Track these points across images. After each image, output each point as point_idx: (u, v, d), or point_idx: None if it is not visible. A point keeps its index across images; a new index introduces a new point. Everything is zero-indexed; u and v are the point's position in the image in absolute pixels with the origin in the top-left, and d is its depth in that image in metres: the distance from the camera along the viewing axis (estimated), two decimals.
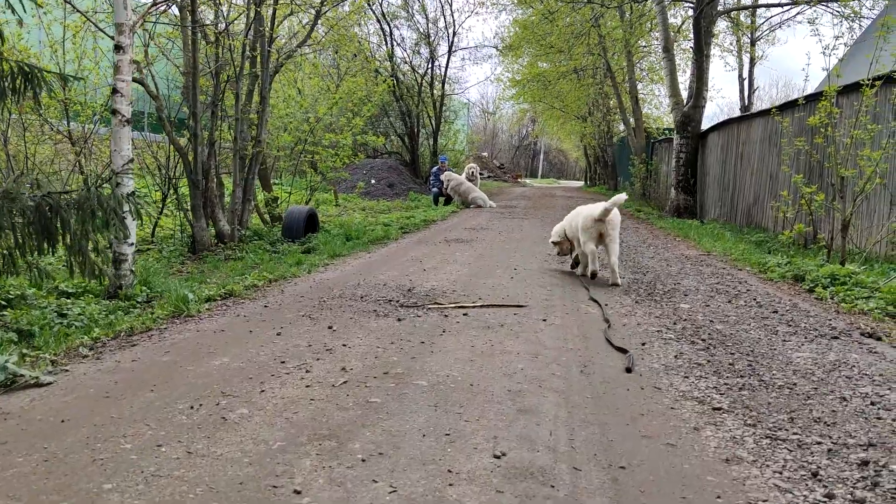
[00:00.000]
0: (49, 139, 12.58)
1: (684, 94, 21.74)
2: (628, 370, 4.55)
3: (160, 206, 12.93)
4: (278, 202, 15.23)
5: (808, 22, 22.27)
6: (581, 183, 49.95)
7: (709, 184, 19.57)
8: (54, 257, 8.27)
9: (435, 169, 21.18)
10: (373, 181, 22.30)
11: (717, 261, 10.47)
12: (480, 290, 7.09)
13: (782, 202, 11.44)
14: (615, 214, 7.94)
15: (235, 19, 12.57)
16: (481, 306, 6.26)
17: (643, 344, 5.23)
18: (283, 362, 4.44)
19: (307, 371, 4.26)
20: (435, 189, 20.78)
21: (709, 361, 4.78)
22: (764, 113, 15.76)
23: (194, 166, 11.40)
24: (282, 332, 5.16)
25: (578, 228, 8.17)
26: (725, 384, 4.27)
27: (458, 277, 7.91)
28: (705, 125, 20.53)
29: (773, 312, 6.57)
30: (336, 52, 13.48)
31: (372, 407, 3.66)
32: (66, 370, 4.35)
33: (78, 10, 10.91)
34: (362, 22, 23.01)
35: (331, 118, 15.49)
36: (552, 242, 9.04)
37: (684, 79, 26.45)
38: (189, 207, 11.70)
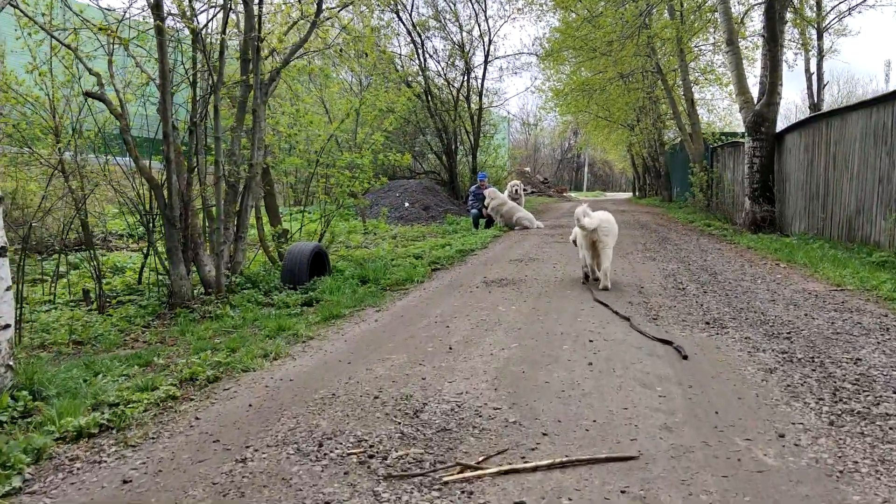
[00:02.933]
0: (42, 174, 10.06)
1: (753, 92, 18.13)
2: (685, 357, 4.74)
3: (146, 246, 10.14)
4: (289, 236, 12.23)
5: None
6: (628, 194, 45.99)
7: (790, 192, 15.93)
8: None
9: (473, 188, 17.95)
10: (406, 204, 19.17)
11: (863, 301, 7.01)
12: (542, 403, 3.82)
13: None
14: (603, 227, 7.94)
15: (215, 16, 9.63)
16: (549, 467, 2.98)
17: None
18: None
19: None
20: (474, 210, 17.53)
21: None
22: (865, 105, 12.22)
23: (169, 199, 8.48)
24: None
25: (577, 235, 8.30)
26: None
27: (501, 367, 4.63)
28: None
29: None
30: (340, 52, 10.52)
31: None
32: None
33: (43, 29, 8.28)
34: (385, 23, 20.00)
35: (346, 135, 12.45)
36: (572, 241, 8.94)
37: (748, 74, 22.78)
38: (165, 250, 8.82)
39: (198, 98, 9.41)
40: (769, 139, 16.52)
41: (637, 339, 5.41)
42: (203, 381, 4.66)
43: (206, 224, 9.80)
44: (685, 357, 4.82)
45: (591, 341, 5.25)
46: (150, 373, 5.51)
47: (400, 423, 3.48)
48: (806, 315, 6.33)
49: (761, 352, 4.98)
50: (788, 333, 5.58)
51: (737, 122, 32.16)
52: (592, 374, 4.37)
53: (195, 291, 8.88)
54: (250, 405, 3.88)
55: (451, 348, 5.10)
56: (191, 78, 9.35)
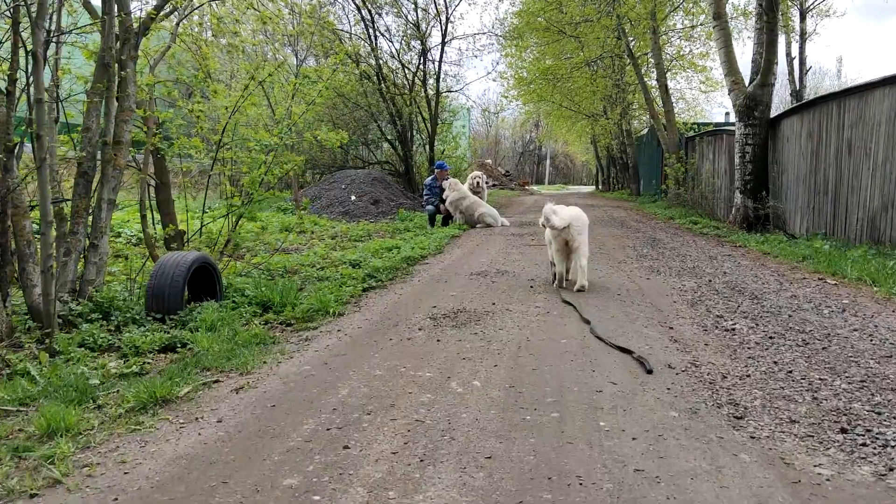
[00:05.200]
0: None
1: (744, 74, 15.33)
2: (649, 372, 3.84)
3: None
4: (185, 240, 8.97)
5: None
6: (591, 188, 43.17)
7: (787, 185, 13.21)
8: None
9: (429, 180, 14.74)
10: (353, 197, 15.90)
11: None
12: None
13: None
14: (576, 225, 6.54)
15: None
16: None
17: None
18: None
19: None
20: (430, 207, 14.34)
21: None
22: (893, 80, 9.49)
23: None
24: None
25: (546, 234, 6.93)
26: None
27: None
28: (734, 117, 14.22)
29: None
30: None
31: None
32: None
33: None
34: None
35: (257, 109, 9.20)
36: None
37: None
38: None
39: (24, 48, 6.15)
40: (763, 125, 13.83)
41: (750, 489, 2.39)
42: None
43: (29, 229, 6.56)
44: (650, 371, 3.90)
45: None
46: None
47: None
48: None
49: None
50: None
51: (708, 112, 29.61)
52: None
53: (23, 324, 5.71)
54: None
55: None
56: (8, 8, 6.12)
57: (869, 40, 76.95)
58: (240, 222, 8.86)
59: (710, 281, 7.10)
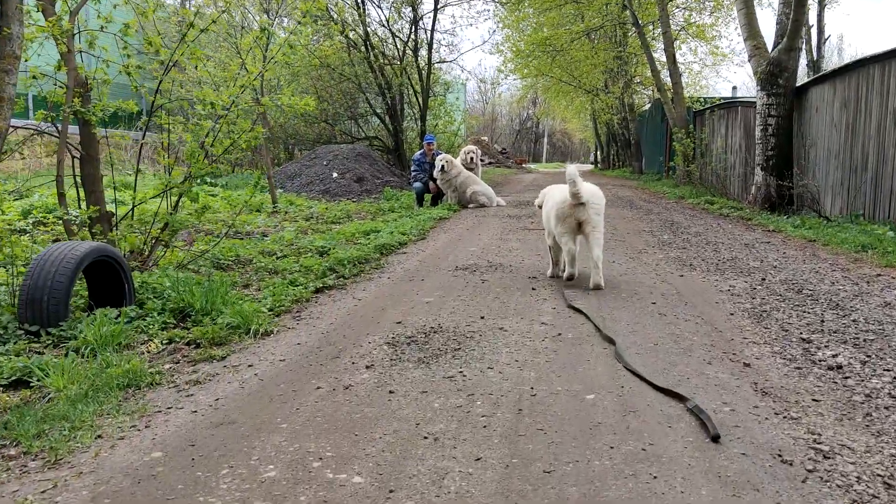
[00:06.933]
0: None
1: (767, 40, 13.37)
2: (715, 439, 2.41)
3: None
4: (113, 223, 7.15)
5: None
6: (589, 166, 41.12)
7: (816, 160, 11.41)
8: None
9: (418, 155, 12.85)
10: (335, 174, 14.01)
11: None
12: None
13: None
14: (594, 202, 5.15)
15: None
16: None
17: None
18: None
19: None
20: (418, 184, 12.49)
21: None
22: None
23: None
24: None
25: (551, 216, 5.31)
26: None
27: None
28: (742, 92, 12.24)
29: None
30: None
31: None
32: None
33: None
34: None
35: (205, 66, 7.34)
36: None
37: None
38: None
39: None
40: (788, 94, 11.99)
41: None
42: None
43: None
44: (715, 438, 2.42)
45: None
46: None
47: None
48: None
49: None
50: None
51: (713, 87, 27.61)
52: None
53: None
54: None
55: None
56: None
57: (864, 19, 74.44)
58: (181, 201, 7.05)
59: (764, 280, 5.32)
